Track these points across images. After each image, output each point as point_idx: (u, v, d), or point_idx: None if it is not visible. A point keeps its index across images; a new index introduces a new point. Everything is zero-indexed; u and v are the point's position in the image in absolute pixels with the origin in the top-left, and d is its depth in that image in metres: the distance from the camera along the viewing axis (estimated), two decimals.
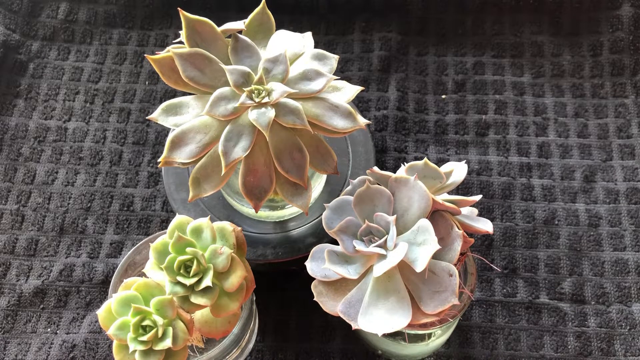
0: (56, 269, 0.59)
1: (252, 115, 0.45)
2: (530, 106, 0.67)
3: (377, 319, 0.41)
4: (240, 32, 0.48)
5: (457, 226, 0.42)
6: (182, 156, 0.46)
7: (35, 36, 0.72)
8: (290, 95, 0.46)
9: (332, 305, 0.43)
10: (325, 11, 0.72)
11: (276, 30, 0.50)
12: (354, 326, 0.41)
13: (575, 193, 0.62)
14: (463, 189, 0.62)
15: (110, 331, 0.42)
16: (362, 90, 0.54)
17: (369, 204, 0.43)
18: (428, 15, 0.72)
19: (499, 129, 0.66)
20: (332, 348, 0.56)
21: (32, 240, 0.61)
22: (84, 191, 0.63)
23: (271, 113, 0.45)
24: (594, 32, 0.70)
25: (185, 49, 0.46)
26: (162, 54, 0.47)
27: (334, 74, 0.48)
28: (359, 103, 0.67)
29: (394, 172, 0.44)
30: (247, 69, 0.46)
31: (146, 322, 0.42)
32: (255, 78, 0.46)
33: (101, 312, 0.43)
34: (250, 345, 0.55)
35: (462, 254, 0.43)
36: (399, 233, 0.42)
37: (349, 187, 0.45)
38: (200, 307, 0.43)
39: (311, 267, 0.43)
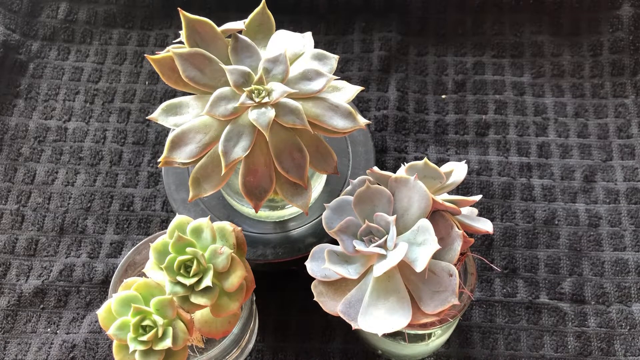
0: (56, 269, 0.59)
1: (252, 115, 0.45)
2: (530, 106, 0.67)
3: (377, 319, 0.41)
4: (240, 32, 0.48)
5: (457, 226, 0.42)
6: (182, 156, 0.46)
7: (35, 36, 0.72)
8: (290, 95, 0.46)
9: (332, 305, 0.43)
10: (325, 11, 0.72)
11: (276, 30, 0.50)
12: (354, 326, 0.41)
13: (575, 193, 0.62)
14: (463, 189, 0.62)
15: (110, 331, 0.42)
16: (362, 90, 0.54)
17: (369, 204, 0.43)
18: (428, 15, 0.72)
19: (499, 129, 0.66)
20: (332, 348, 0.56)
21: (32, 240, 0.61)
22: (84, 191, 0.63)
23: (271, 113, 0.45)
24: (594, 32, 0.70)
25: (185, 49, 0.46)
26: (162, 54, 0.47)
27: (334, 74, 0.48)
28: (359, 103, 0.67)
29: (394, 172, 0.44)
30: (247, 69, 0.46)
31: (146, 322, 0.42)
32: (255, 78, 0.46)
33: (101, 312, 0.43)
34: (250, 345, 0.55)
35: (462, 254, 0.43)
36: (399, 233, 0.42)
37: (349, 187, 0.45)
38: (200, 307, 0.43)
39: (311, 267, 0.43)
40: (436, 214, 0.43)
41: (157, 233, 0.49)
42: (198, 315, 0.45)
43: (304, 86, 0.47)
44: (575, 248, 0.59)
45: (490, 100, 0.67)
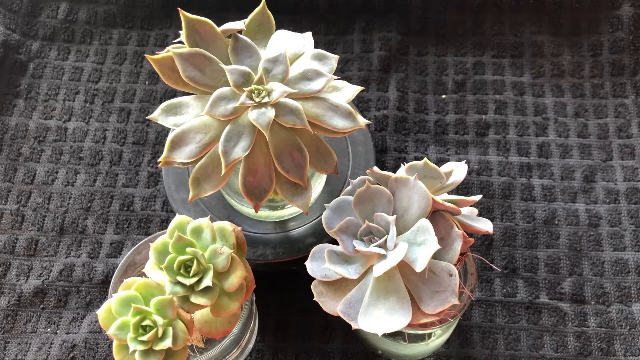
0: (56, 269, 0.59)
1: (252, 115, 0.45)
2: (530, 106, 0.67)
3: (377, 319, 0.41)
4: (240, 32, 0.48)
5: (457, 226, 0.42)
6: (182, 156, 0.46)
7: (35, 36, 0.72)
8: (290, 95, 0.46)
9: (332, 305, 0.43)
10: (325, 11, 0.72)
11: (276, 30, 0.50)
12: (354, 326, 0.41)
13: (575, 193, 0.62)
14: (463, 189, 0.62)
15: (110, 331, 0.42)
16: (362, 90, 0.54)
17: (369, 204, 0.43)
18: (428, 15, 0.72)
19: (499, 129, 0.66)
20: (332, 348, 0.56)
21: (32, 240, 0.61)
22: (84, 191, 0.63)
23: (271, 113, 0.45)
24: (594, 32, 0.70)
25: (185, 49, 0.46)
26: (162, 54, 0.47)
27: (334, 74, 0.48)
28: (359, 103, 0.67)
29: (394, 172, 0.44)
30: (247, 69, 0.46)
31: (146, 322, 0.42)
32: (255, 78, 0.46)
33: (101, 312, 0.43)
34: (250, 345, 0.55)
35: (462, 254, 0.43)
36: (399, 233, 0.42)
37: (349, 187, 0.45)
38: (200, 307, 0.43)
39: (311, 267, 0.43)
40: (436, 214, 0.43)
41: (157, 233, 0.49)
42: (198, 315, 0.45)
43: (304, 86, 0.47)
44: (575, 248, 0.59)
45: (490, 100, 0.67)
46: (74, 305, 0.58)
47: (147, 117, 0.51)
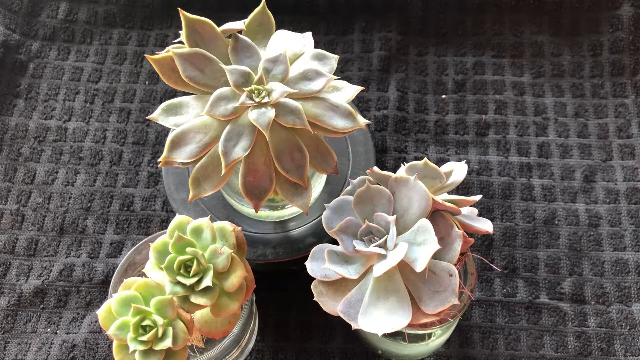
0: (56, 269, 0.59)
1: (252, 115, 0.45)
2: (530, 106, 0.67)
3: (377, 319, 0.41)
4: (240, 32, 0.48)
5: (457, 226, 0.42)
6: (182, 156, 0.46)
7: (35, 36, 0.72)
8: (290, 95, 0.46)
9: (332, 305, 0.43)
10: (325, 11, 0.72)
11: (276, 30, 0.50)
12: (354, 326, 0.41)
13: (575, 193, 0.62)
14: (463, 189, 0.62)
15: (110, 331, 0.42)
16: (362, 90, 0.54)
17: (369, 204, 0.43)
18: (428, 15, 0.72)
19: (499, 129, 0.66)
20: (332, 348, 0.56)
21: (32, 240, 0.61)
22: (84, 191, 0.63)
23: (271, 113, 0.45)
24: (594, 32, 0.70)
25: (185, 49, 0.46)
26: (162, 54, 0.47)
27: (334, 74, 0.48)
28: (359, 103, 0.67)
29: (394, 172, 0.44)
30: (247, 69, 0.46)
31: (146, 322, 0.42)
32: (255, 78, 0.46)
33: (101, 312, 0.43)
34: (250, 345, 0.55)
35: (462, 254, 0.43)
36: (399, 233, 0.42)
37: (349, 187, 0.45)
38: (200, 307, 0.43)
39: (311, 267, 0.43)
40: (436, 214, 0.43)
41: (157, 233, 0.49)
42: (198, 315, 0.45)
43: (304, 86, 0.47)
44: (575, 248, 0.59)
45: (490, 100, 0.67)
46: (74, 305, 0.58)
47: (147, 117, 0.51)
